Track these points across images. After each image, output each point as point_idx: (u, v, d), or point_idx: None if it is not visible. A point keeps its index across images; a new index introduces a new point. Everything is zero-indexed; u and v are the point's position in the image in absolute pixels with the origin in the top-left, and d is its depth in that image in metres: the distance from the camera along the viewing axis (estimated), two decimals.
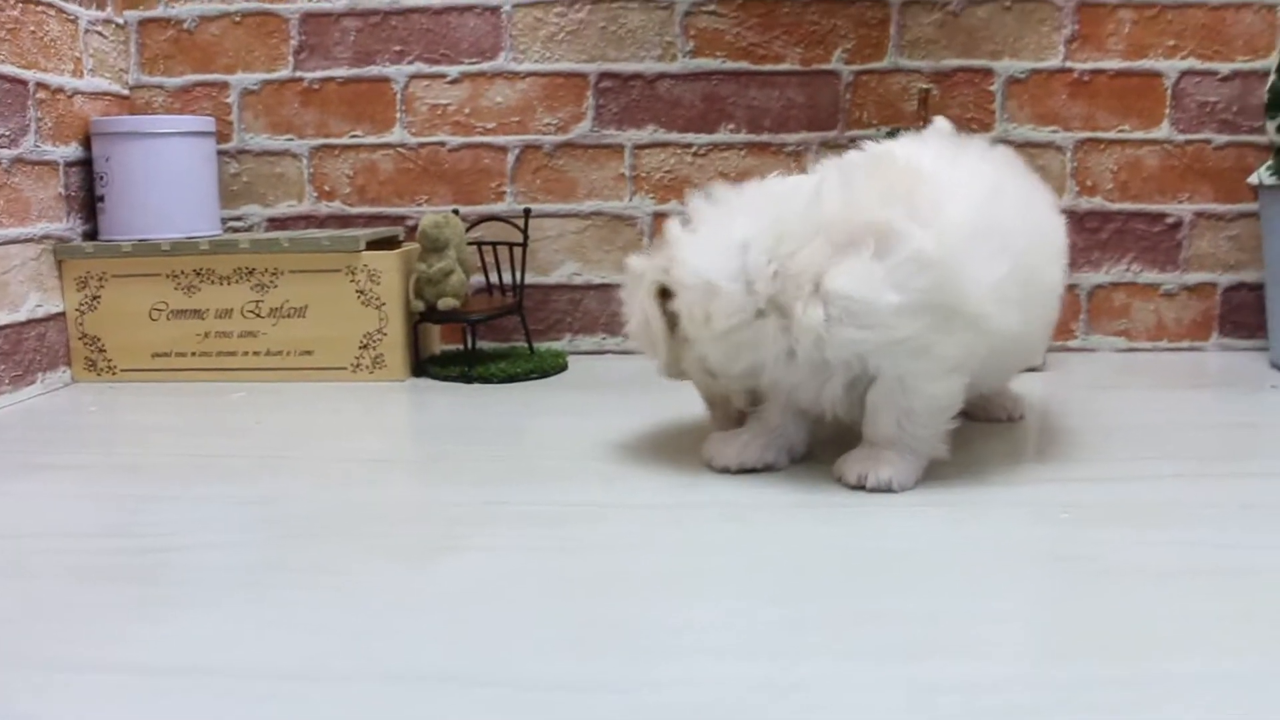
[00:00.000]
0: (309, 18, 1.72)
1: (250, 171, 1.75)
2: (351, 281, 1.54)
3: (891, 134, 1.59)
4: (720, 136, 1.71)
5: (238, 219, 1.75)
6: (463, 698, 0.63)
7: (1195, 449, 1.21)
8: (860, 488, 1.03)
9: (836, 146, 1.68)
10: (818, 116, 1.70)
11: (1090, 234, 1.74)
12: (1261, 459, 1.19)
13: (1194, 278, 1.75)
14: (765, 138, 1.71)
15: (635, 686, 0.64)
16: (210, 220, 1.66)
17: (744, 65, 1.69)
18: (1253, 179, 1.63)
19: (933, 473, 1.06)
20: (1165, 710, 0.61)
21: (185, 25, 1.73)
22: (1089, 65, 1.70)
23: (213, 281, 1.56)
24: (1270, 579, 0.81)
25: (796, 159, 1.70)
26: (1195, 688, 0.63)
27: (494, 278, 1.66)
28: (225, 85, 1.73)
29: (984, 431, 1.26)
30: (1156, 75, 1.70)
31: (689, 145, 1.71)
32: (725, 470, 1.09)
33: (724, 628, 0.72)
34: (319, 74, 1.72)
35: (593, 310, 1.75)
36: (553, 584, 0.81)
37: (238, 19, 1.72)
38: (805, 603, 0.77)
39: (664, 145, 1.71)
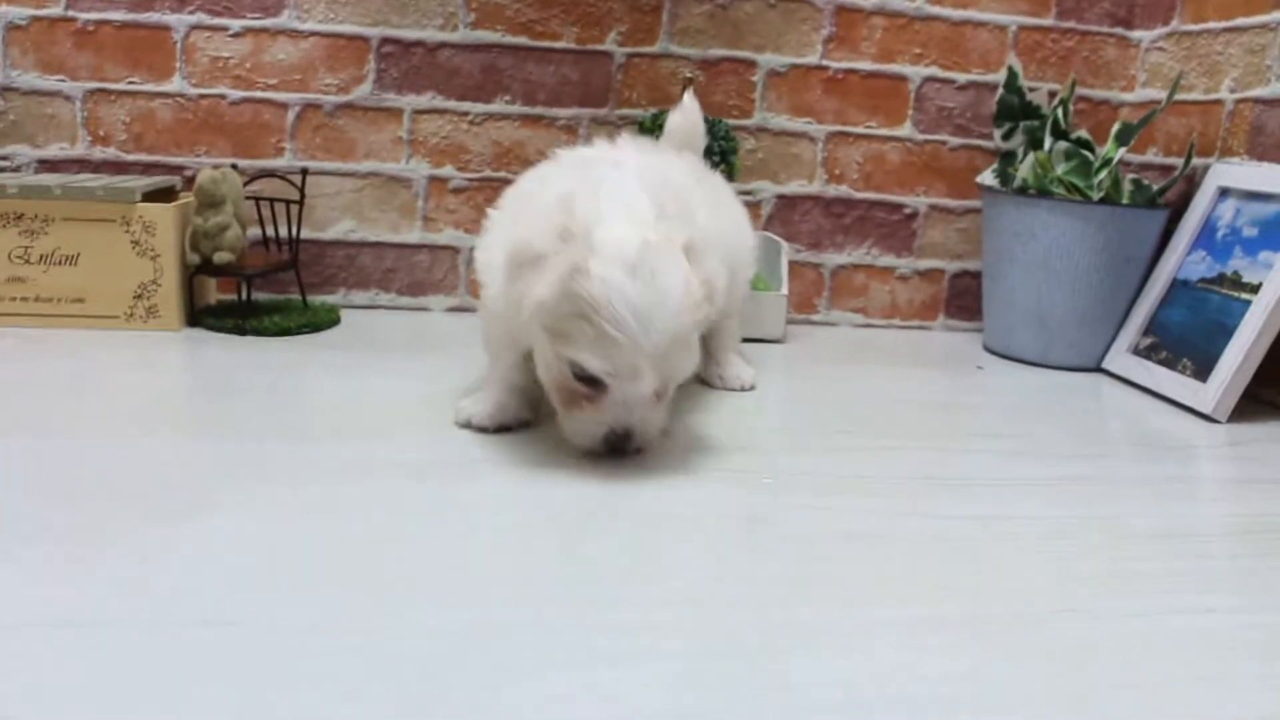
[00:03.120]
0: None
1: (18, 110, 1.71)
2: (126, 232, 1.55)
3: (657, 117, 1.70)
4: (496, 107, 1.78)
5: (4, 159, 1.72)
6: (219, 638, 0.71)
7: (900, 425, 1.36)
8: None
9: (606, 123, 1.79)
10: (590, 94, 1.79)
11: (836, 219, 1.89)
12: (952, 437, 1.34)
13: (925, 264, 1.93)
14: (539, 110, 1.78)
15: (372, 630, 0.74)
16: None
17: (523, 40, 1.76)
18: (980, 179, 1.81)
19: (663, 443, 1.17)
20: (815, 650, 0.73)
21: None
22: (843, 65, 1.84)
23: None
24: (931, 545, 0.95)
25: (568, 133, 1.79)
26: (849, 635, 0.76)
27: (270, 231, 1.70)
28: None
29: (718, 401, 1.39)
30: (902, 79, 1.86)
31: (466, 113, 1.77)
32: (482, 430, 1.18)
33: (450, 578, 0.82)
34: (94, 15, 1.69)
35: (367, 266, 1.81)
36: (303, 539, 0.88)
37: None
38: (527, 553, 0.89)
39: (442, 112, 1.77)
